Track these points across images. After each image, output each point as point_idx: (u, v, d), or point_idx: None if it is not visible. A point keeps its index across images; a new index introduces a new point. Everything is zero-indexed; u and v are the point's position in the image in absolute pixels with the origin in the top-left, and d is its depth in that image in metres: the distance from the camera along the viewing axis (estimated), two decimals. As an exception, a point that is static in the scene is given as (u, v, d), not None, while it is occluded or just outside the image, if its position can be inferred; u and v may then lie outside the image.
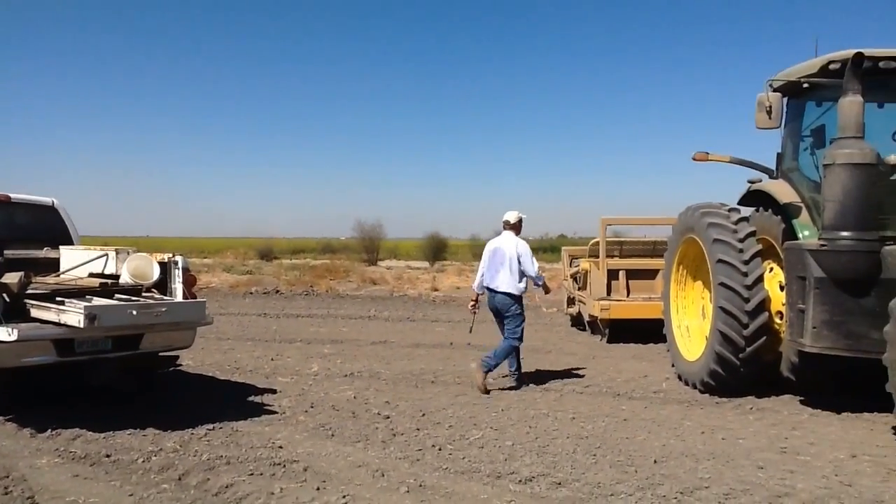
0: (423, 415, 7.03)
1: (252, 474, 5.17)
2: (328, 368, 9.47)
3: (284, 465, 5.35)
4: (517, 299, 8.45)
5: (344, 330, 13.56)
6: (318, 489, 4.89)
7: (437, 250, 42.47)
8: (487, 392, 8.09)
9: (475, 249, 46.52)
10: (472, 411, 7.22)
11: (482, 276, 8.75)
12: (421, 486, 4.99)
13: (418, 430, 6.48)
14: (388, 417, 6.90)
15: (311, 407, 7.28)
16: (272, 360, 10.08)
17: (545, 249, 47.91)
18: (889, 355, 6.12)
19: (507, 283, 8.38)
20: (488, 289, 8.59)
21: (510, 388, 8.37)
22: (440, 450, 5.86)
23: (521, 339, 8.52)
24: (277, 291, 21.09)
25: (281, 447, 5.84)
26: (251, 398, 7.65)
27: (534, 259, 8.57)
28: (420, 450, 5.85)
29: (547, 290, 8.96)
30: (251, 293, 20.82)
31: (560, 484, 5.05)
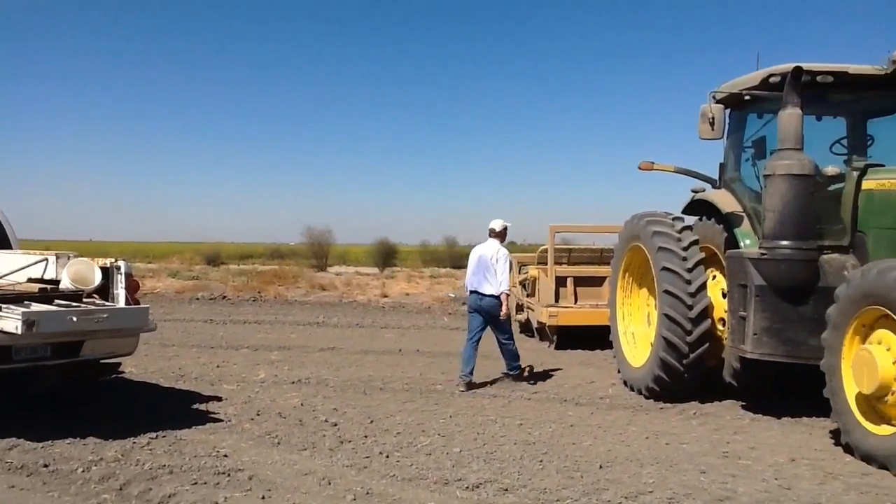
0: (371, 422, 7.00)
1: (195, 483, 5.09)
2: (275, 375, 9.38)
3: (229, 474, 5.28)
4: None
5: (292, 336, 13.43)
6: (263, 498, 4.84)
7: (386, 256, 42.32)
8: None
9: (425, 256, 46.60)
10: (421, 418, 7.21)
11: (468, 280, 9.28)
12: (368, 493, 4.97)
13: (366, 437, 6.45)
14: (336, 425, 6.86)
15: (258, 414, 7.20)
16: (218, 367, 9.93)
17: (495, 256, 48.16)
18: (826, 361, 6.31)
19: (493, 287, 8.94)
20: (476, 292, 9.08)
21: (460, 394, 8.40)
22: (388, 457, 5.84)
23: (511, 333, 9.36)
24: (224, 297, 20.78)
25: (226, 456, 5.76)
26: (196, 406, 7.53)
27: (507, 270, 9.11)
28: (367, 457, 5.83)
29: (501, 306, 8.97)
30: (197, 299, 20.48)
31: (507, 490, 5.08)
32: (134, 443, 6.02)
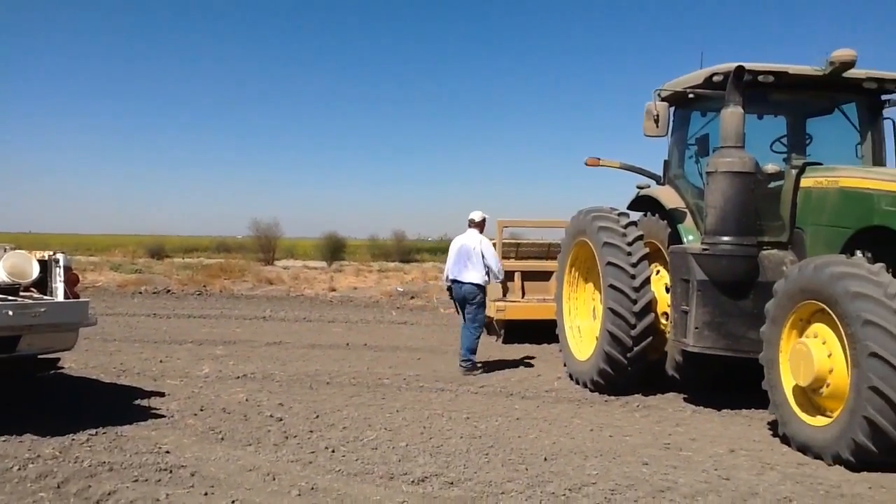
0: (317, 417, 6.96)
1: (136, 481, 5.00)
2: (220, 370, 9.25)
3: (171, 471, 5.20)
4: (482, 289, 9.57)
5: (238, 331, 13.27)
6: (205, 495, 4.78)
7: (335, 250, 42.08)
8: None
9: (374, 250, 46.48)
10: (367, 413, 7.19)
11: (449, 269, 9.75)
12: (313, 489, 4.94)
13: (311, 432, 6.41)
14: (281, 420, 6.80)
15: (201, 410, 7.10)
16: (161, 362, 9.76)
17: (444, 251, 48.24)
18: (765, 354, 6.47)
19: (472, 275, 9.45)
20: (456, 281, 9.59)
21: (407, 389, 8.40)
22: (333, 452, 5.81)
23: (482, 325, 9.73)
24: (168, 291, 20.43)
25: (168, 452, 5.66)
26: (137, 401, 7.39)
27: (496, 255, 9.75)
28: (313, 452, 5.79)
29: (505, 289, 10.00)
30: (140, 293, 20.10)
31: (452, 483, 5.10)
32: (73, 440, 5.88)
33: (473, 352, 9.54)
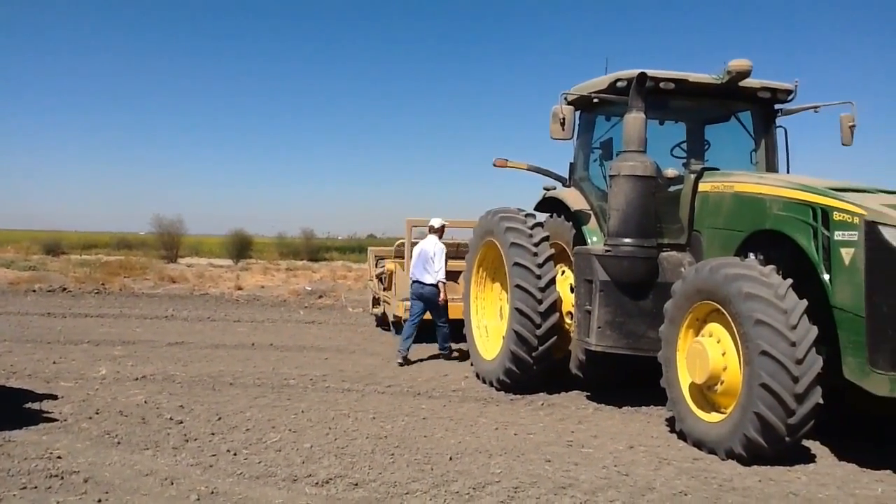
0: (220, 419, 6.81)
1: (25, 488, 4.79)
2: (118, 372, 8.93)
3: (62, 477, 4.99)
4: (440, 290, 10.36)
5: (138, 331, 12.83)
6: (99, 501, 4.62)
7: (241, 248, 41.30)
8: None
9: (282, 248, 45.75)
10: (271, 414, 7.08)
11: (411, 271, 10.63)
12: (213, 493, 4.83)
13: (213, 434, 6.27)
14: (182, 422, 6.62)
15: (97, 413, 6.84)
16: (54, 363, 9.36)
17: (353, 249, 47.91)
18: (663, 353, 6.68)
19: (431, 277, 10.30)
20: (418, 282, 10.43)
21: (313, 388, 8.30)
22: (235, 454, 5.70)
23: (447, 320, 10.58)
24: (64, 289, 19.58)
25: (59, 457, 5.44)
26: (28, 405, 7.06)
27: (444, 262, 10.36)
28: (214, 455, 5.66)
29: (439, 293, 10.35)
30: (34, 291, 19.20)
31: (357, 485, 5.07)
32: (-45, 446, 5.58)
33: (448, 340, 10.66)
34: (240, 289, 21.02)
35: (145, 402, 7.39)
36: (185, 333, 12.57)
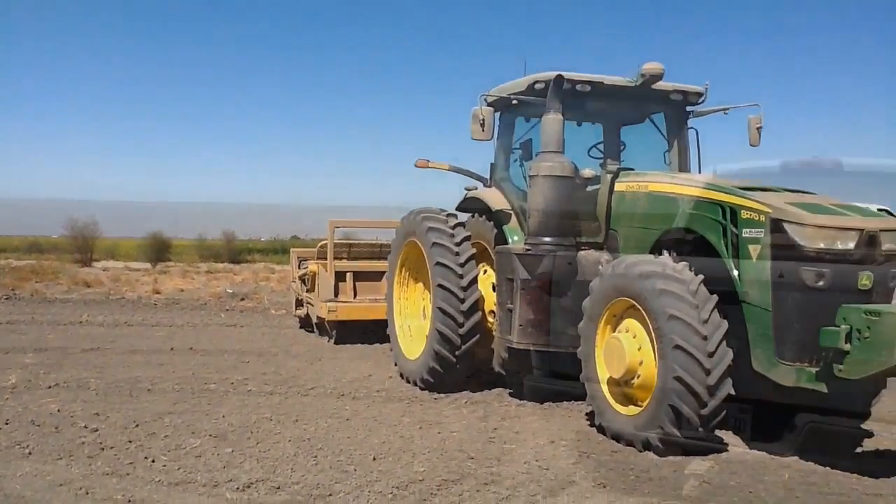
0: (137, 426, 6.65)
1: (-73, 504, 4.60)
2: (29, 380, 8.61)
3: (-32, 491, 4.81)
4: None
5: (50, 337, 12.40)
6: (9, 514, 4.46)
7: (159, 251, 40.28)
8: None
9: (202, 250, 44.79)
10: (191, 419, 6.95)
11: None
12: (130, 501, 4.74)
13: (130, 441, 6.12)
14: (97, 430, 6.44)
15: (6, 423, 6.61)
16: (-40, 373, 8.98)
17: (276, 251, 47.24)
18: (583, 349, 6.83)
19: None
20: None
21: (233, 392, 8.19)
22: (153, 462, 5.59)
23: None
24: (-29, 296, 18.80)
25: (-35, 471, 5.23)
26: (-69, 417, 6.77)
27: None
28: (131, 463, 5.54)
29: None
30: (-63, 298, 18.39)
31: (279, 488, 5.04)
32: None
33: None
34: (158, 292, 20.52)
35: (58, 410, 7.16)
36: (100, 339, 12.19)
